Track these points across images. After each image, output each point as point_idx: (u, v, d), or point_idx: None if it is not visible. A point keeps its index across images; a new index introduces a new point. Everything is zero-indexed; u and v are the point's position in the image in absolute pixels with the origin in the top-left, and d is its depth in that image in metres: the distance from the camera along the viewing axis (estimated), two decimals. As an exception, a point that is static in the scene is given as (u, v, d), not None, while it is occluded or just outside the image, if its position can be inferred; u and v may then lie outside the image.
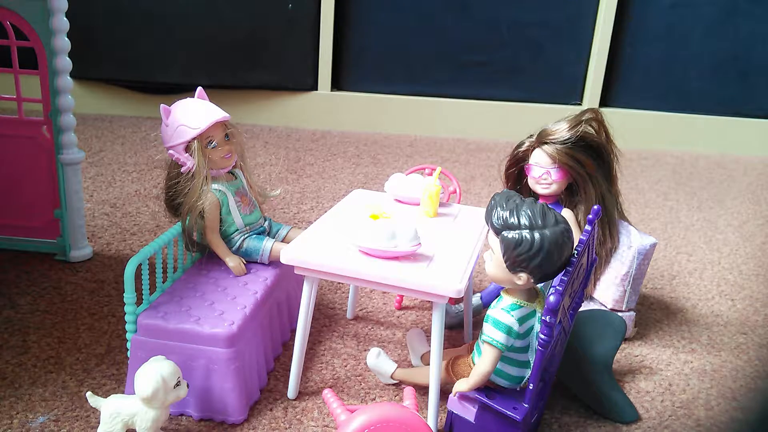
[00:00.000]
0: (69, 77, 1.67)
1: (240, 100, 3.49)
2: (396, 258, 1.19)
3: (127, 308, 1.21)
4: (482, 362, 1.12)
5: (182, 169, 1.35)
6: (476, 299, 1.61)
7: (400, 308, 1.70)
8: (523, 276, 1.07)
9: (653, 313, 1.77)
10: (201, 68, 3.39)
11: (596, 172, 1.48)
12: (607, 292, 1.57)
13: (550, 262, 1.05)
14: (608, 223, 1.54)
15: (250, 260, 1.43)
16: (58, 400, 1.25)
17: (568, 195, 1.53)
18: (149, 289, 1.29)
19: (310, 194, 2.50)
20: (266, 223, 1.49)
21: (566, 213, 1.50)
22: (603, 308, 1.57)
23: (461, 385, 1.16)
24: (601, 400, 1.32)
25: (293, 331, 1.50)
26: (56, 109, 1.67)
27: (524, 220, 1.05)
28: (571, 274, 1.06)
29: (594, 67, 3.53)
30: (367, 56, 3.55)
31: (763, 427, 0.67)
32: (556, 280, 1.06)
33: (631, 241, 1.54)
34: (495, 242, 1.08)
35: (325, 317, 1.63)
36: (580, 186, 1.49)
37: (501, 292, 1.15)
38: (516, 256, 1.05)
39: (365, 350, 1.49)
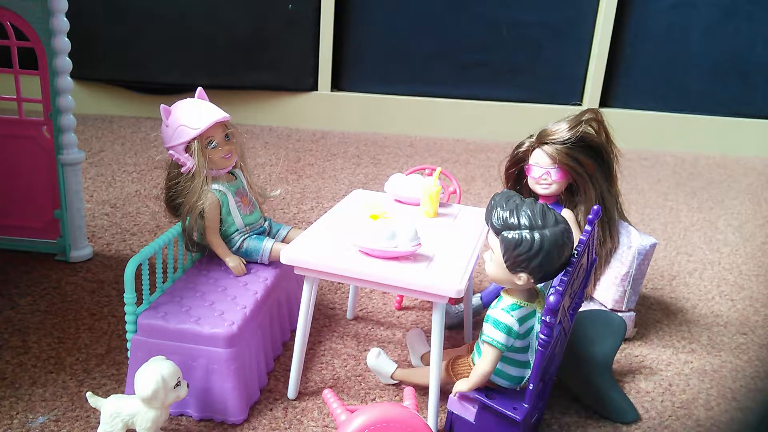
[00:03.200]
0: (69, 77, 1.67)
1: (240, 101, 3.49)
2: (396, 258, 1.19)
3: (127, 308, 1.21)
4: (482, 362, 1.12)
5: (182, 170, 1.35)
6: (476, 299, 1.61)
7: (400, 308, 1.70)
8: (523, 276, 1.07)
9: (653, 313, 1.77)
10: (201, 68, 3.39)
11: (596, 173, 1.48)
12: (607, 292, 1.57)
13: (550, 262, 1.05)
14: (608, 224, 1.54)
15: (250, 260, 1.43)
16: (58, 400, 1.25)
17: (568, 195, 1.54)
18: (149, 289, 1.29)
19: (310, 194, 2.50)
20: (266, 223, 1.49)
21: (566, 213, 1.50)
22: (603, 308, 1.57)
23: (461, 385, 1.16)
24: (601, 400, 1.32)
25: (293, 331, 1.50)
26: (56, 110, 1.67)
27: (524, 220, 1.05)
28: (571, 274, 1.06)
29: (594, 67, 3.53)
30: (367, 56, 3.55)
31: (763, 427, 0.67)
32: (556, 280, 1.06)
33: (631, 242, 1.54)
34: (495, 242, 1.08)
35: (325, 317, 1.63)
36: (580, 186, 1.49)
37: (501, 292, 1.15)
38: (516, 256, 1.05)
39: (365, 350, 1.49)
